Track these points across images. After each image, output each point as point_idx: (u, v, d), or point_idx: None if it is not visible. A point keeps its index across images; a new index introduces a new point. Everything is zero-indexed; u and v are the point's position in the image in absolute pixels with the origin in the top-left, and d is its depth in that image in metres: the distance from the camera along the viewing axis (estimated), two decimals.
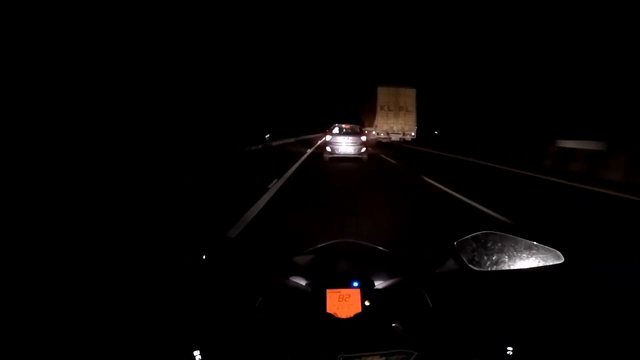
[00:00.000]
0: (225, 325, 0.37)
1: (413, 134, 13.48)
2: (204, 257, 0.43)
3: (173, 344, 0.35)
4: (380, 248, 0.53)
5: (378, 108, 13.36)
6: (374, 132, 13.76)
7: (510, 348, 0.34)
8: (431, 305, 0.38)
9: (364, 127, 15.90)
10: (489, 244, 0.40)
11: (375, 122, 13.43)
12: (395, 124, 13.31)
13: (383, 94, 13.45)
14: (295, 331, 0.35)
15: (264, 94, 11.87)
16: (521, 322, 0.38)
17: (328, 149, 6.87)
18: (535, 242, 0.40)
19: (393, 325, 0.35)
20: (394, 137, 13.31)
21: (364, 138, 7.03)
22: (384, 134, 13.38)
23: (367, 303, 0.38)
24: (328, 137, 7.03)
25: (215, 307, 0.40)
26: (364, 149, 6.88)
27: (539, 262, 0.39)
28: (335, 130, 7.18)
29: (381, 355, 0.32)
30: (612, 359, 0.31)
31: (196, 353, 0.33)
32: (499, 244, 0.40)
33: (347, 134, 7.05)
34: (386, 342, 0.33)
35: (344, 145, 6.83)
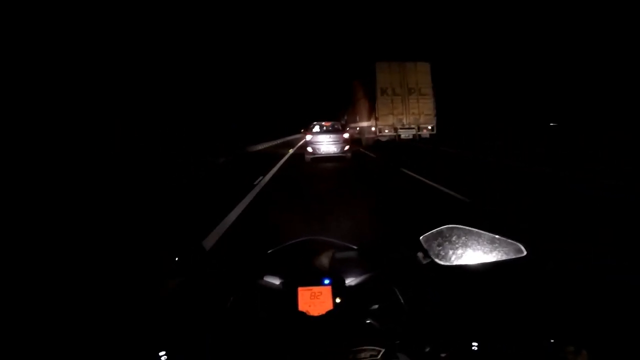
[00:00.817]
0: (194, 326, 0.58)
1: (430, 126, 14.44)
2: (176, 259, 0.65)
3: (139, 345, 0.56)
4: (349, 245, 0.80)
5: (378, 93, 14.23)
6: (372, 129, 14.63)
7: (475, 343, 0.60)
8: (402, 301, 0.64)
9: (347, 125, 17.75)
10: (453, 238, 0.69)
11: (376, 114, 14.24)
12: (405, 115, 14.20)
13: (384, 73, 14.44)
14: (267, 330, 0.58)
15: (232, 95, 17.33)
16: (486, 317, 0.65)
17: (309, 149, 10.03)
18: (497, 236, 0.70)
19: (367, 321, 0.60)
20: (405, 134, 14.21)
21: (346, 135, 10.40)
22: (389, 130, 14.13)
23: (338, 300, 0.63)
24: (308, 137, 10.26)
25: (184, 308, 0.61)
26: (347, 147, 10.11)
27: (501, 255, 0.69)
28: (316, 128, 10.48)
29: (350, 352, 0.55)
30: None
31: (162, 353, 0.54)
32: (463, 238, 0.69)
33: (328, 131, 10.32)
34: (358, 338, 0.56)
35: (326, 144, 9.96)
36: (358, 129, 18.06)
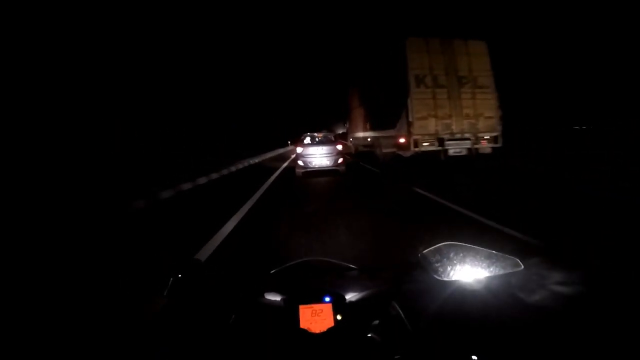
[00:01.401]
0: (199, 344, 0.94)
1: (493, 135, 13.77)
2: (179, 275, 1.03)
3: None
4: (349, 265, 1.17)
5: (411, 83, 13.50)
6: (401, 140, 14.10)
7: (475, 357, 0.94)
8: (403, 316, 1.00)
9: (350, 135, 19.52)
10: (451, 255, 1.06)
11: (409, 116, 13.51)
12: (454, 118, 13.57)
13: (420, 54, 13.74)
14: (269, 348, 0.93)
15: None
16: (486, 330, 1.00)
17: (300, 162, 13.30)
18: (494, 251, 1.07)
19: (369, 336, 0.95)
20: (455, 149, 13.64)
21: (339, 147, 13.35)
22: (429, 142, 13.49)
23: (339, 317, 0.98)
24: (299, 150, 13.54)
25: (186, 326, 0.97)
26: (340, 159, 13.25)
27: (499, 269, 1.05)
28: (307, 140, 13.89)
29: None
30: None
31: None
32: (461, 254, 1.06)
33: (320, 143, 13.60)
34: (359, 355, 0.91)
35: (318, 156, 13.17)
36: (369, 139, 18.23)
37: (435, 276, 1.04)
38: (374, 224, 6.21)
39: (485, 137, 13.93)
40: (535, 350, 0.90)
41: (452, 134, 13.77)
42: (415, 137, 13.59)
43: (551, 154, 14.35)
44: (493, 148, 14.05)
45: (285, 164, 19.19)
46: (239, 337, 0.97)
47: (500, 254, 1.06)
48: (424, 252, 1.08)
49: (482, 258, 1.06)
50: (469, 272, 1.05)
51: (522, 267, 1.03)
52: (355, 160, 18.74)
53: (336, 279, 1.13)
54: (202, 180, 12.58)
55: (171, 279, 1.07)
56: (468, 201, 7.51)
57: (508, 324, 0.96)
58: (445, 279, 1.04)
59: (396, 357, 0.92)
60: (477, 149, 13.95)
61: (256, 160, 23.46)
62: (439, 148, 13.71)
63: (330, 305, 1.00)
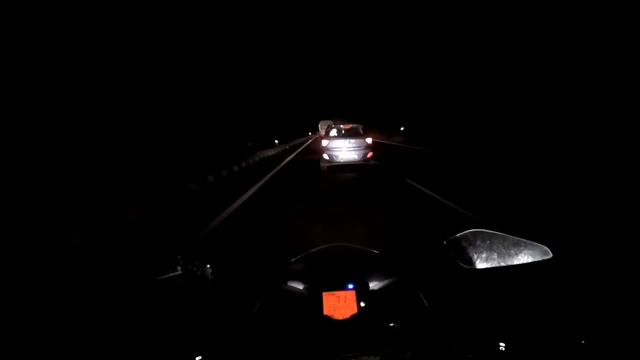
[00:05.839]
0: (226, 331, 0.92)
1: None
2: (208, 266, 1.01)
3: (175, 351, 0.90)
4: (373, 250, 1.15)
5: None
6: None
7: (502, 344, 0.92)
8: (426, 304, 0.97)
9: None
10: (478, 242, 1.03)
11: None
12: None
13: None
14: (294, 334, 0.92)
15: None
16: (513, 318, 0.97)
17: (325, 156, 12.17)
18: (522, 239, 1.03)
19: (391, 324, 0.93)
20: None
21: (369, 140, 12.31)
22: None
23: (362, 304, 0.96)
24: (324, 142, 12.44)
25: (215, 313, 0.96)
26: (370, 153, 12.17)
27: (527, 258, 1.02)
28: (333, 132, 12.79)
29: (376, 355, 0.88)
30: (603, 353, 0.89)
31: (198, 358, 0.88)
32: (488, 242, 1.03)
33: (347, 136, 12.44)
34: (383, 341, 0.89)
35: (345, 150, 12.02)
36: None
37: (462, 264, 1.01)
38: None
39: None
40: (564, 338, 0.86)
41: None
42: None
43: None
44: None
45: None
46: (264, 324, 0.96)
47: (529, 241, 1.02)
48: (450, 239, 1.05)
49: (509, 245, 1.03)
50: (496, 259, 1.01)
51: (551, 254, 1.00)
52: None
53: (359, 266, 1.11)
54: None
55: (198, 268, 1.05)
56: None
57: (537, 311, 0.93)
58: (472, 267, 1.01)
59: (421, 344, 0.91)
60: None
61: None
62: None
63: (353, 292, 0.99)
